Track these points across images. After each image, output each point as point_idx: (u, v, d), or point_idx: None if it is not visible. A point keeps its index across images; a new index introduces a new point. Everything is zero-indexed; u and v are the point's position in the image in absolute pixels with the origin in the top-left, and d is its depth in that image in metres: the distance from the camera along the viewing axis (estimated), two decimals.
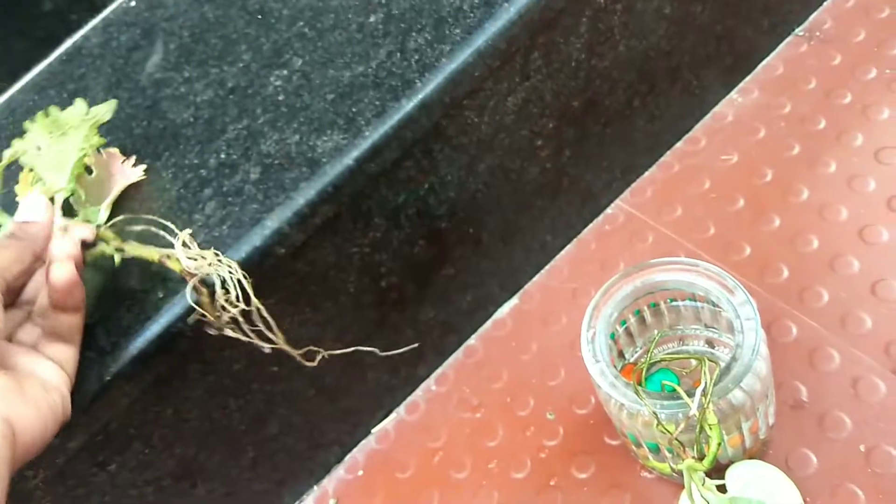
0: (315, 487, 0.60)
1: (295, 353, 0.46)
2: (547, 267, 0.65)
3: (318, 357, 0.44)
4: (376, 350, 0.51)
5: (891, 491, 0.46)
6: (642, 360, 0.52)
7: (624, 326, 0.50)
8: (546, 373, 0.59)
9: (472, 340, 0.63)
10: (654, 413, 0.41)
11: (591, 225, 0.65)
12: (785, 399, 0.51)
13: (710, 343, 0.52)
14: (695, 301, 0.49)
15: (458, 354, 0.63)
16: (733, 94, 0.67)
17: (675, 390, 0.42)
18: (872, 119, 0.61)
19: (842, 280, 0.54)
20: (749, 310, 0.43)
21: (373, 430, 0.61)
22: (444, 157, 0.51)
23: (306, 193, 0.45)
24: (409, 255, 0.54)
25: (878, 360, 0.50)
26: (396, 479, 0.58)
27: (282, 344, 0.45)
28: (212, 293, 0.41)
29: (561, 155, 0.59)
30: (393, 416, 0.61)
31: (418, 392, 0.62)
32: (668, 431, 0.41)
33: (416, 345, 0.58)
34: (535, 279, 0.64)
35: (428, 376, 0.62)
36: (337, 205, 0.46)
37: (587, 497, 0.52)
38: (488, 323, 0.63)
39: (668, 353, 0.52)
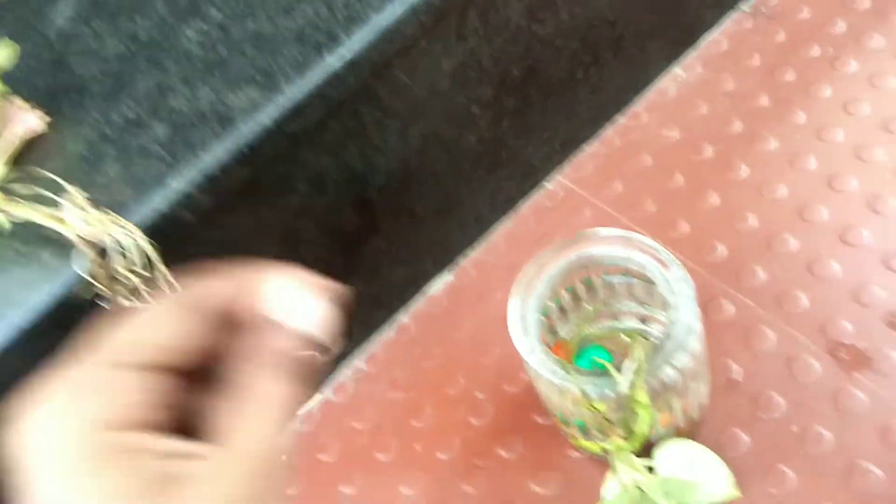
0: None
1: None
2: (483, 242, 0.62)
3: None
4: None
5: (823, 472, 0.45)
6: (574, 337, 0.50)
7: (557, 303, 0.48)
8: (479, 351, 0.57)
9: (403, 317, 0.60)
10: (583, 390, 0.39)
11: (529, 199, 0.63)
12: (718, 379, 0.49)
13: (644, 320, 0.50)
14: (629, 277, 0.47)
15: (389, 332, 0.60)
16: (676, 68, 0.66)
17: (605, 368, 0.40)
18: (815, 97, 0.60)
19: (779, 259, 0.53)
20: (684, 286, 0.42)
21: (297, 413, 0.58)
22: (374, 120, 0.48)
23: (218, 154, 0.42)
24: (336, 225, 0.51)
25: (813, 339, 0.50)
26: (318, 462, 0.55)
27: None
28: (107, 260, 0.38)
29: (500, 124, 0.57)
30: (319, 397, 0.58)
31: (346, 371, 0.59)
32: (598, 410, 0.40)
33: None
34: (470, 255, 0.62)
35: (356, 355, 0.59)
36: (252, 167, 0.43)
37: (514, 477, 0.50)
38: (421, 299, 0.61)
39: (600, 330, 0.50)
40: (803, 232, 0.54)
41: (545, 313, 0.48)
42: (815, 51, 0.63)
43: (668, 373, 0.40)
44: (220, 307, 0.28)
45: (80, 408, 0.24)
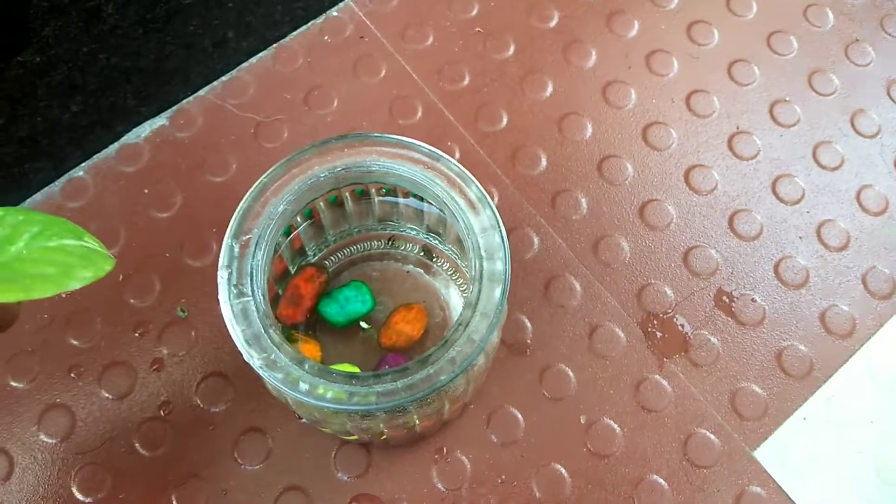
0: None
1: None
2: (222, 79, 0.42)
3: None
4: None
5: (605, 483, 0.36)
6: (328, 261, 0.34)
7: (309, 216, 0.32)
8: (184, 243, 0.39)
9: (80, 173, 0.40)
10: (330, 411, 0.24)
11: (302, 28, 0.43)
12: (507, 336, 0.37)
13: (427, 252, 0.36)
14: (421, 201, 0.32)
15: (54, 189, 0.40)
16: None
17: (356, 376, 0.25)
18: None
19: (610, 190, 0.41)
20: (497, 247, 0.27)
21: None
22: None
23: None
24: None
25: (626, 305, 0.39)
26: None
27: None
28: None
29: None
30: None
31: None
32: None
33: None
34: (198, 93, 0.42)
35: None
36: None
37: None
38: (112, 148, 0.40)
39: (365, 253, 0.35)
40: (645, 159, 0.42)
41: (287, 232, 0.32)
42: None
43: (457, 383, 0.26)
44: None
45: None
